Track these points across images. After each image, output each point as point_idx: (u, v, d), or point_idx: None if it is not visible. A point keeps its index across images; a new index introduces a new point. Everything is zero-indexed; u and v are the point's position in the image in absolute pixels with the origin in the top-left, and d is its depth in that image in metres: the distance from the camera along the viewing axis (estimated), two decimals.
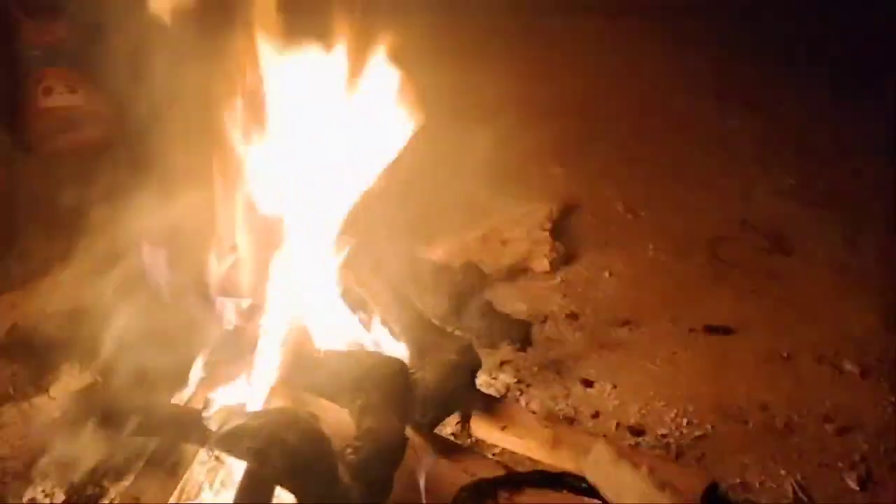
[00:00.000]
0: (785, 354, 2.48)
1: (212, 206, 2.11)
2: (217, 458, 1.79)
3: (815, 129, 3.73)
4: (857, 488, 2.03)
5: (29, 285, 2.50)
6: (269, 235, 1.99)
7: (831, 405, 2.28)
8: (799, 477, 2.06)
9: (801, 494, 2.01)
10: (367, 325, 2.02)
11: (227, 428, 1.71)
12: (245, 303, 1.97)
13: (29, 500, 1.94)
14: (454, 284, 2.30)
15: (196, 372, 1.94)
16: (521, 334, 2.37)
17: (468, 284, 2.33)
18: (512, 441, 1.98)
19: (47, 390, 2.20)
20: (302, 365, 1.89)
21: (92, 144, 3.29)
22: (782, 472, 2.07)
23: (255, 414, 1.75)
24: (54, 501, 1.93)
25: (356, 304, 2.01)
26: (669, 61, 4.06)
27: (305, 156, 1.97)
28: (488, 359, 2.35)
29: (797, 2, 4.01)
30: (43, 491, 1.96)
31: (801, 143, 3.67)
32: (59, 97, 3.44)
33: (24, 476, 1.99)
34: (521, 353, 2.44)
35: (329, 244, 1.99)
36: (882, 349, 2.49)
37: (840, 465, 2.10)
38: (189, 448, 1.83)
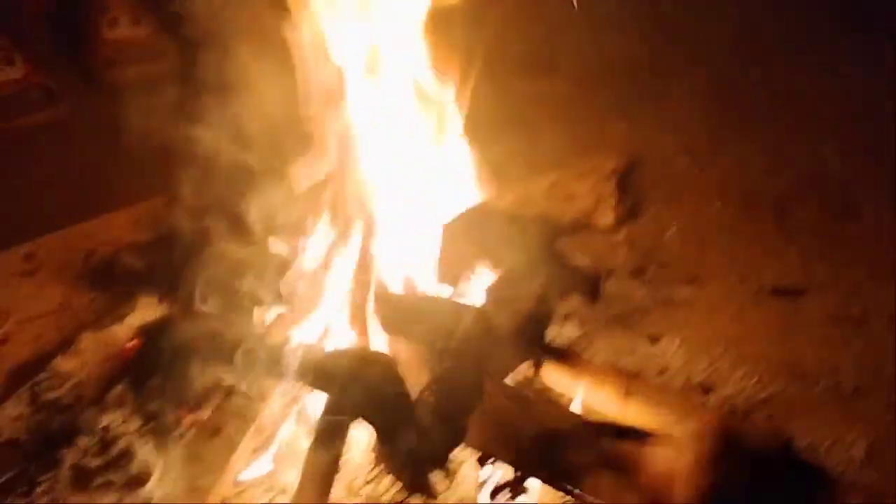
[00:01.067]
0: (855, 317, 2.43)
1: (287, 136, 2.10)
2: (295, 392, 1.82)
3: (886, 90, 3.61)
4: None
5: (105, 216, 2.52)
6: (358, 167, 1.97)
7: None
8: (868, 441, 2.04)
9: (869, 459, 2.00)
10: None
11: (308, 362, 1.74)
12: (328, 240, 1.97)
13: (104, 426, 1.97)
14: (525, 236, 2.28)
15: (276, 307, 1.95)
16: (589, 287, 2.36)
17: (539, 236, 2.31)
18: (583, 391, 1.98)
19: (124, 319, 2.22)
20: (383, 306, 1.90)
21: (156, 75, 3.30)
22: (851, 435, 2.06)
23: (336, 351, 1.77)
24: (129, 429, 1.95)
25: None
26: (736, 19, 3.94)
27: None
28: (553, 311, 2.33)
29: None
30: (118, 417, 1.99)
31: (871, 104, 3.56)
32: (123, 28, 3.45)
33: (99, 402, 2.02)
34: (586, 308, 2.42)
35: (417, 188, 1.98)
36: None
37: None
38: (268, 382, 1.85)
